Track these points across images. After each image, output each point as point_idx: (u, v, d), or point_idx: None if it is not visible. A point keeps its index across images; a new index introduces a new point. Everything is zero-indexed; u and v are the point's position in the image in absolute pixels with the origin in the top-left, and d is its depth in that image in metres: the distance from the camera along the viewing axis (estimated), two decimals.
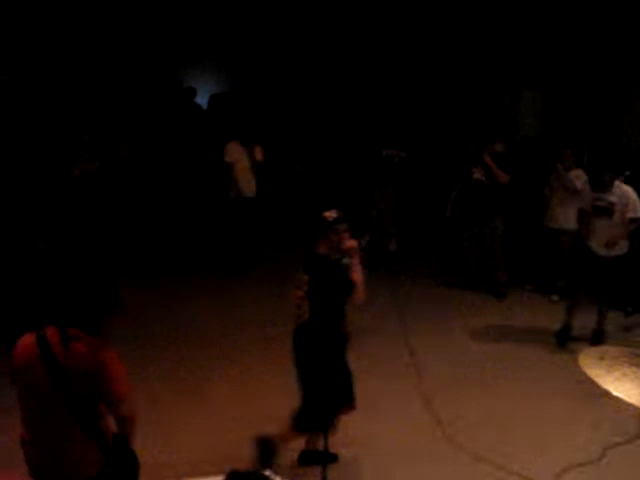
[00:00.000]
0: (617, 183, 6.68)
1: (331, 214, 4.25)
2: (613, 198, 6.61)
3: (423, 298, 7.93)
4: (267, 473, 3.44)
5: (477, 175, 7.89)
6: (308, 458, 4.53)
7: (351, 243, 4.24)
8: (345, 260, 4.21)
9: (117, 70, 10.21)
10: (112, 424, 3.00)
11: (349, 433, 4.57)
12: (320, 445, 4.14)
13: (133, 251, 8.37)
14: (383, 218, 8.63)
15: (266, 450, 4.30)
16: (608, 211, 6.66)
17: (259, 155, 8.36)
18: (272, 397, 5.24)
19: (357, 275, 4.19)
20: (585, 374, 3.44)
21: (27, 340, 2.95)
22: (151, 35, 10.63)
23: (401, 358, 6.30)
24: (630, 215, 6.52)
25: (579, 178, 7.55)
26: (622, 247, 6.65)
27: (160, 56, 10.90)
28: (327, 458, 4.06)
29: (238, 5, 10.84)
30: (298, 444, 4.52)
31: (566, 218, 7.74)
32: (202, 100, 11.02)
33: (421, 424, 5.15)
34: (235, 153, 8.27)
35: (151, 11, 10.52)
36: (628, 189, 6.58)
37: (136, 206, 8.76)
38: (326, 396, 4.15)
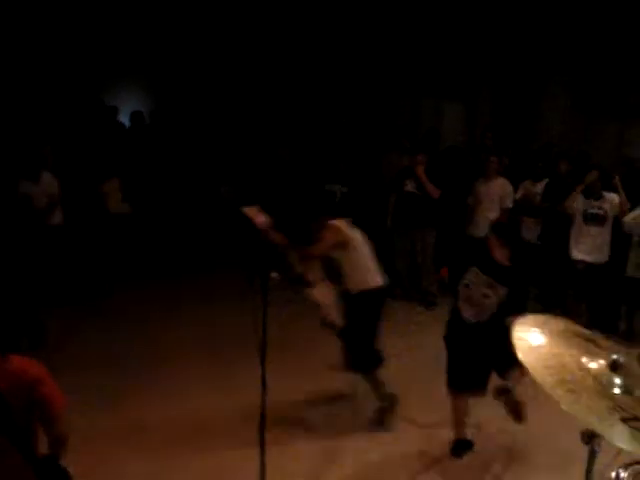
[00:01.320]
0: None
1: None
2: (606, 205, 6.88)
3: None
4: None
5: (409, 187, 7.97)
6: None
7: None
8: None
9: (37, 87, 9.94)
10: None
11: None
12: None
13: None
14: None
15: None
16: (601, 218, 6.87)
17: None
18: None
19: None
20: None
21: None
22: (73, 52, 10.40)
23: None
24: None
25: (507, 190, 7.89)
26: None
27: (81, 73, 10.66)
28: None
29: (161, 21, 10.72)
30: None
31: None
32: (124, 118, 10.85)
33: None
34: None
35: (73, 27, 10.29)
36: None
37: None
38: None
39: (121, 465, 4.67)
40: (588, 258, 7.15)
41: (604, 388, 2.33)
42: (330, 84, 10.59)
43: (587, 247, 7.17)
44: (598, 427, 2.24)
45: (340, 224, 5.14)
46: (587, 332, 2.72)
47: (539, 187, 7.99)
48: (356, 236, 5.18)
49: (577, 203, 7.22)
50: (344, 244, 5.04)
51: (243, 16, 10.57)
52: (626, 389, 2.34)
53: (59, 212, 7.46)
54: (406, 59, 10.20)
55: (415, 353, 6.79)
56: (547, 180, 7.94)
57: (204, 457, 4.83)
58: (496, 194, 7.94)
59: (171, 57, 10.96)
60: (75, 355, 6.32)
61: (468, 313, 4.66)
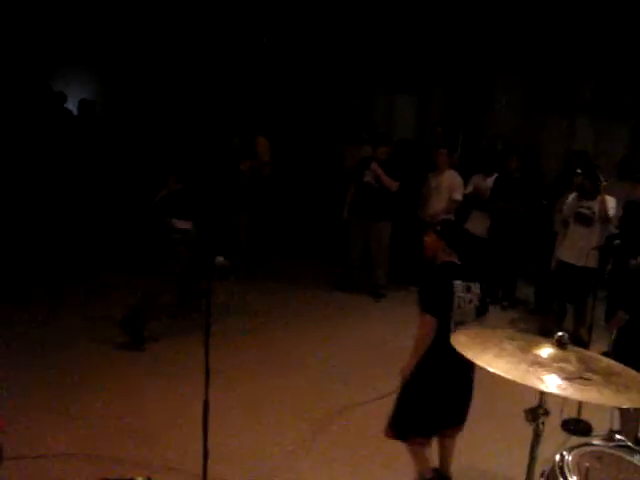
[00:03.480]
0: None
1: None
2: (596, 206, 6.59)
3: (303, 301, 7.91)
4: None
5: (368, 178, 7.92)
6: None
7: None
8: None
9: None
10: None
11: None
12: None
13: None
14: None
15: None
16: (588, 219, 6.65)
17: None
18: None
19: None
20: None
21: None
22: (19, 37, 10.12)
23: (281, 357, 6.34)
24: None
25: (456, 182, 7.97)
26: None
27: (28, 59, 10.37)
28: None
29: (108, 8, 10.51)
30: None
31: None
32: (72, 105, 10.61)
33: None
34: None
35: (19, 13, 10.01)
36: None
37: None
38: None
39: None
40: (579, 262, 6.69)
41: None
42: (284, 79, 10.52)
43: (577, 247, 6.75)
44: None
45: None
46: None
47: (490, 181, 8.04)
48: None
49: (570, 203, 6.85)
50: None
51: (197, 6, 10.43)
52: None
53: None
54: (359, 55, 10.20)
55: (358, 343, 6.83)
56: (497, 175, 8.00)
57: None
58: (445, 186, 7.99)
59: (123, 46, 10.75)
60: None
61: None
